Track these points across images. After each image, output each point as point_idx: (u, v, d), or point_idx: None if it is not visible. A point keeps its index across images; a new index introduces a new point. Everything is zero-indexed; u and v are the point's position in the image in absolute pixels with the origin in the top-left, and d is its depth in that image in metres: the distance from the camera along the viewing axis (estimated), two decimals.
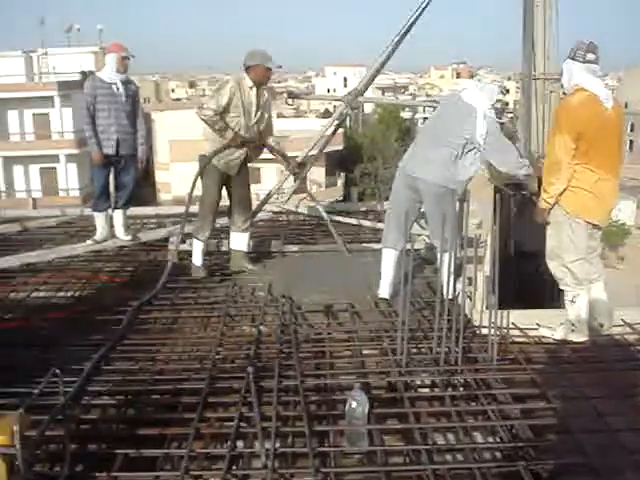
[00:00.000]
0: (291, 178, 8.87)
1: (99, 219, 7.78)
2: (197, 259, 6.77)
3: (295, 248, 7.46)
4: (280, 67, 6.60)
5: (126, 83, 7.47)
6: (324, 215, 7.81)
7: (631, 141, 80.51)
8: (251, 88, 6.46)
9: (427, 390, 4.39)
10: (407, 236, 5.13)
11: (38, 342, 5.11)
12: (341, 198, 38.87)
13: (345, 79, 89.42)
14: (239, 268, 6.87)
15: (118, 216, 7.85)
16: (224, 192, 6.83)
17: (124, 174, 7.68)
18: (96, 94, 7.32)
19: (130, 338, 5.26)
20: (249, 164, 6.86)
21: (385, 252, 5.93)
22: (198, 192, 6.75)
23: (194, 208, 6.96)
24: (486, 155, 5.63)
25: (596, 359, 4.84)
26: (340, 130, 10.66)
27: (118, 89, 7.37)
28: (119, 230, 7.86)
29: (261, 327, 5.33)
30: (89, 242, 7.72)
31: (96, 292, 6.44)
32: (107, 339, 5.05)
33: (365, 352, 4.91)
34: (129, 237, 7.90)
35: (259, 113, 6.58)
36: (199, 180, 6.71)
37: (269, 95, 6.80)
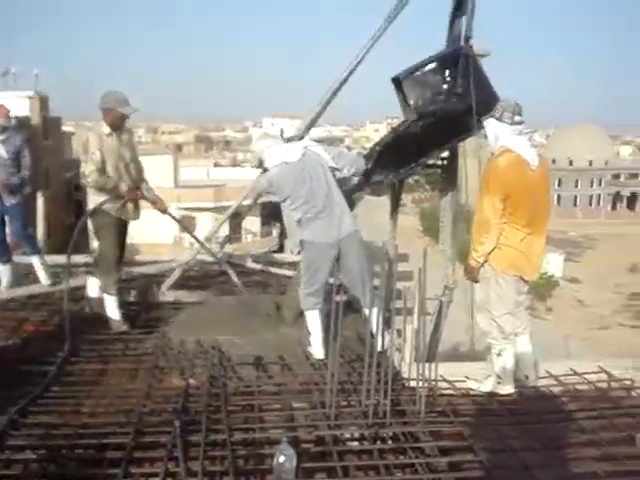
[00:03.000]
0: (226, 226, 8.85)
1: (1, 270, 7.82)
2: (114, 313, 6.62)
3: (197, 297, 7.49)
4: (136, 110, 6.46)
5: (5, 140, 7.46)
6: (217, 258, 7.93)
7: (559, 195, 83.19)
8: (109, 134, 6.37)
9: (356, 443, 4.38)
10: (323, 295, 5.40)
11: None
12: (276, 248, 38.89)
13: (282, 130, 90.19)
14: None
15: (34, 263, 7.87)
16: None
17: (15, 224, 7.71)
18: None
19: (55, 390, 5.12)
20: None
21: (310, 313, 5.94)
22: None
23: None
24: (358, 164, 6.09)
25: (522, 411, 4.91)
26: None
27: None
28: (40, 276, 7.83)
29: (190, 379, 5.26)
30: None
31: (21, 342, 6.27)
32: (30, 391, 4.91)
33: (294, 405, 4.88)
34: (49, 282, 7.82)
35: (128, 155, 6.53)
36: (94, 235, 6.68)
37: (130, 136, 6.74)
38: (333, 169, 5.84)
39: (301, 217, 5.77)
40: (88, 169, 6.24)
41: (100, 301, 6.80)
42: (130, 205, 6.56)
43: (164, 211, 7.01)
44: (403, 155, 6.56)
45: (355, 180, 6.21)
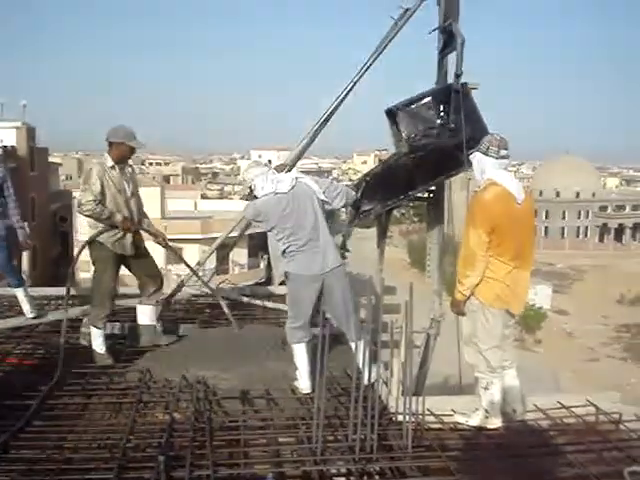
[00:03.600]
0: (213, 258, 8.82)
1: None
2: (99, 347, 6.56)
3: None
4: (143, 145, 6.56)
5: None
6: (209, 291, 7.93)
7: (546, 227, 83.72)
8: (113, 167, 6.42)
9: (342, 479, 4.33)
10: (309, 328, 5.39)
11: None
12: (263, 280, 38.84)
13: (269, 162, 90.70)
14: (151, 343, 6.78)
15: (18, 295, 7.79)
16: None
17: None
18: None
19: (38, 424, 5.05)
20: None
21: (297, 347, 5.91)
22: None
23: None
24: (347, 197, 5.99)
25: (510, 445, 4.89)
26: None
27: None
28: (24, 308, 7.76)
29: (174, 414, 5.20)
30: None
31: (4, 375, 6.19)
32: (12, 425, 4.84)
33: (280, 440, 4.83)
34: (33, 315, 7.76)
35: (130, 188, 6.57)
36: (92, 267, 6.62)
37: (132, 170, 6.80)
38: (323, 202, 5.82)
39: (286, 249, 5.76)
40: (85, 198, 6.26)
41: (148, 330, 6.83)
42: (127, 240, 6.56)
43: (165, 245, 7.04)
44: (392, 187, 6.59)
45: (344, 212, 6.23)
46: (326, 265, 5.70)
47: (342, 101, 7.51)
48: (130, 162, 6.75)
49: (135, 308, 7.09)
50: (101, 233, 6.40)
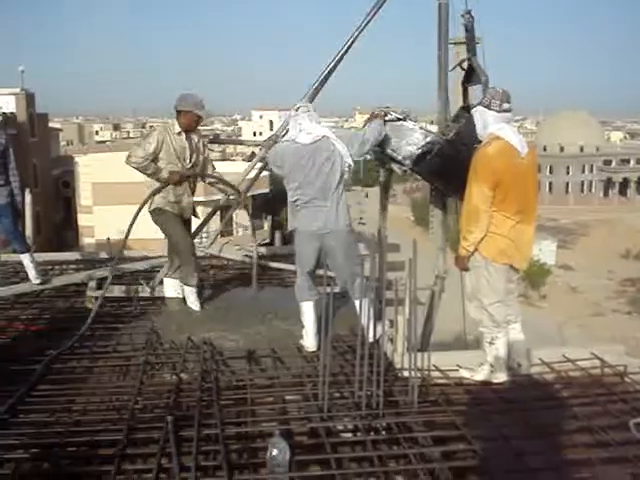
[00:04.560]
0: (216, 220, 8.80)
1: None
2: (194, 304, 6.71)
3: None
4: (210, 115, 6.60)
5: None
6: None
7: (550, 182, 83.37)
8: (179, 134, 6.44)
9: (349, 435, 4.37)
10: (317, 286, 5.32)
11: None
12: (267, 241, 38.85)
13: (271, 122, 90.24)
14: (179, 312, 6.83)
15: (24, 261, 7.82)
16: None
17: (4, 222, 7.65)
18: None
19: (46, 388, 5.09)
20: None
21: (304, 305, 5.94)
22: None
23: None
24: (361, 152, 5.85)
25: (515, 399, 4.90)
26: (266, 173, 10.60)
27: None
28: (30, 274, 7.78)
29: (181, 374, 5.24)
30: None
31: (11, 340, 6.23)
32: (19, 390, 4.89)
33: (287, 398, 4.87)
34: (39, 281, 7.79)
35: (194, 157, 6.58)
36: (160, 232, 6.70)
37: (199, 137, 6.77)
38: (348, 166, 5.74)
39: (293, 201, 5.76)
40: (134, 152, 6.30)
41: (176, 301, 6.87)
42: (185, 203, 6.62)
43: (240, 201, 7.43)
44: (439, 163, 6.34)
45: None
46: (326, 226, 5.67)
47: (341, 58, 7.42)
48: (199, 131, 6.78)
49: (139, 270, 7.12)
50: (154, 194, 6.45)
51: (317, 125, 5.71)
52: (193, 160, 6.59)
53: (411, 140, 6.20)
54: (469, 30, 6.67)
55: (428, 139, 6.20)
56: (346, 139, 5.75)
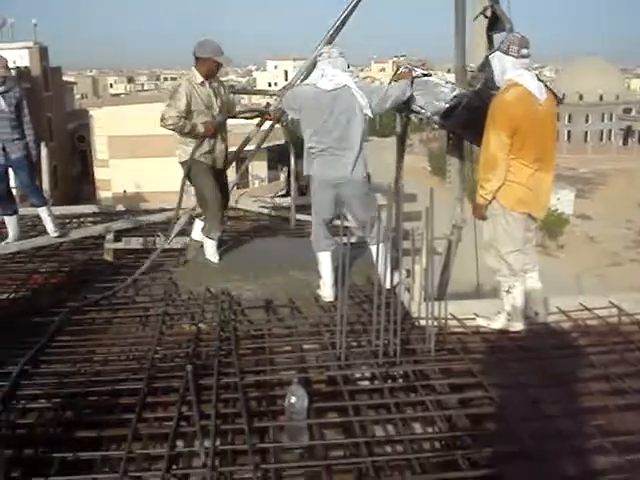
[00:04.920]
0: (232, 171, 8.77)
1: (8, 222, 7.83)
2: (213, 256, 6.68)
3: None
4: (230, 60, 6.50)
5: (5, 92, 7.34)
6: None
7: (569, 131, 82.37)
8: (202, 83, 6.36)
9: (366, 383, 4.41)
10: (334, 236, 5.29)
11: None
12: (283, 192, 38.83)
13: (286, 72, 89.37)
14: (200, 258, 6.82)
15: (41, 214, 7.88)
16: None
17: (21, 176, 7.68)
18: None
19: (67, 339, 5.17)
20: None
21: (321, 255, 5.92)
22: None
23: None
24: (380, 107, 5.70)
25: (532, 347, 4.91)
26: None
27: None
28: (47, 227, 7.85)
29: (200, 325, 5.29)
30: (3, 244, 7.70)
31: (31, 293, 6.31)
32: (39, 341, 4.97)
33: (305, 347, 4.91)
34: (57, 234, 7.85)
35: (219, 102, 6.51)
36: (189, 183, 6.66)
37: (220, 85, 6.68)
38: (366, 118, 5.63)
39: (309, 148, 5.70)
40: (168, 113, 6.21)
41: (197, 248, 6.87)
42: (217, 152, 6.56)
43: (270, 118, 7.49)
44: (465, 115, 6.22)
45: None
46: (342, 175, 5.61)
47: (357, 5, 7.32)
48: (218, 76, 6.68)
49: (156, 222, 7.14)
50: (194, 152, 6.38)
51: (340, 72, 5.57)
52: (219, 105, 6.51)
53: (439, 96, 6.07)
54: None
55: (455, 92, 6.07)
56: (367, 91, 5.62)
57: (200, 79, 6.33)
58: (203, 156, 6.44)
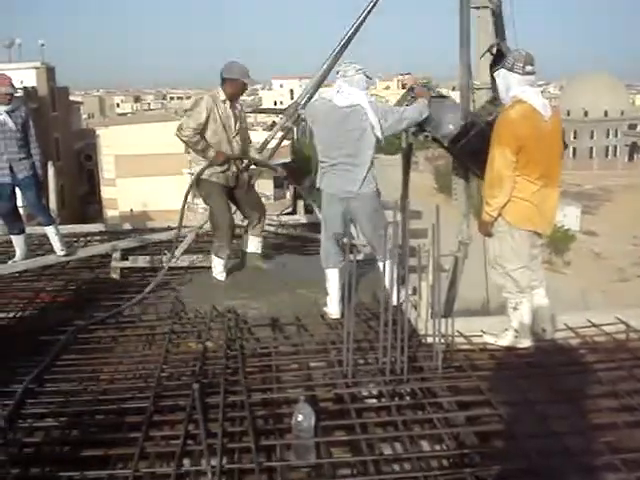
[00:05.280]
0: None
1: (15, 241, 7.87)
2: (220, 274, 6.73)
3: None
4: (255, 83, 6.62)
5: (12, 112, 7.38)
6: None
7: (574, 148, 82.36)
8: (224, 102, 6.43)
9: (374, 400, 4.39)
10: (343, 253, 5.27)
11: None
12: (290, 210, 38.90)
13: (292, 91, 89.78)
14: (255, 269, 6.94)
15: (48, 233, 7.88)
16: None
17: (28, 195, 7.68)
18: None
19: (73, 358, 5.16)
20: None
21: (329, 272, 5.93)
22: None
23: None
24: (394, 129, 5.76)
25: (540, 364, 4.89)
26: (287, 142, 10.51)
27: (4, 120, 7.31)
28: (55, 246, 7.85)
29: (207, 343, 5.29)
30: (10, 263, 7.72)
31: (38, 312, 6.32)
32: (46, 359, 4.98)
33: (312, 364, 4.90)
34: (64, 253, 7.86)
35: (238, 125, 6.58)
36: (201, 202, 6.81)
37: (241, 107, 6.79)
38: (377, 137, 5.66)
39: (320, 162, 5.78)
40: (186, 124, 6.31)
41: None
42: (230, 172, 6.60)
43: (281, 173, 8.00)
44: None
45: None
46: (350, 189, 5.66)
47: (362, 23, 7.37)
48: (241, 103, 6.79)
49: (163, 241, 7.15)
50: (203, 170, 6.44)
51: (357, 91, 5.59)
52: (237, 128, 6.58)
53: (452, 119, 6.09)
54: (497, 15, 6.55)
55: (468, 120, 6.10)
56: (382, 112, 5.66)
57: (223, 97, 6.42)
58: (216, 175, 6.50)
